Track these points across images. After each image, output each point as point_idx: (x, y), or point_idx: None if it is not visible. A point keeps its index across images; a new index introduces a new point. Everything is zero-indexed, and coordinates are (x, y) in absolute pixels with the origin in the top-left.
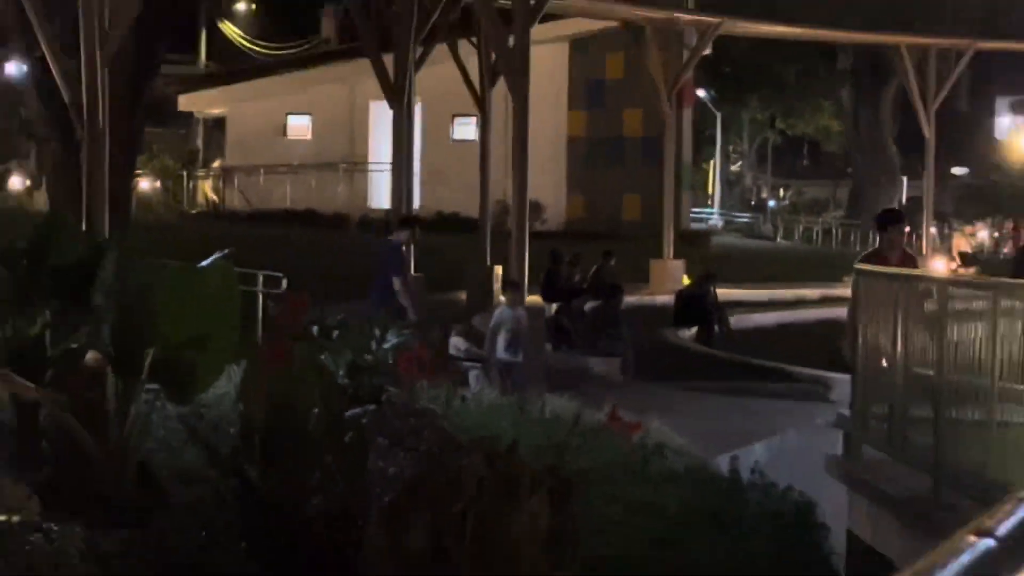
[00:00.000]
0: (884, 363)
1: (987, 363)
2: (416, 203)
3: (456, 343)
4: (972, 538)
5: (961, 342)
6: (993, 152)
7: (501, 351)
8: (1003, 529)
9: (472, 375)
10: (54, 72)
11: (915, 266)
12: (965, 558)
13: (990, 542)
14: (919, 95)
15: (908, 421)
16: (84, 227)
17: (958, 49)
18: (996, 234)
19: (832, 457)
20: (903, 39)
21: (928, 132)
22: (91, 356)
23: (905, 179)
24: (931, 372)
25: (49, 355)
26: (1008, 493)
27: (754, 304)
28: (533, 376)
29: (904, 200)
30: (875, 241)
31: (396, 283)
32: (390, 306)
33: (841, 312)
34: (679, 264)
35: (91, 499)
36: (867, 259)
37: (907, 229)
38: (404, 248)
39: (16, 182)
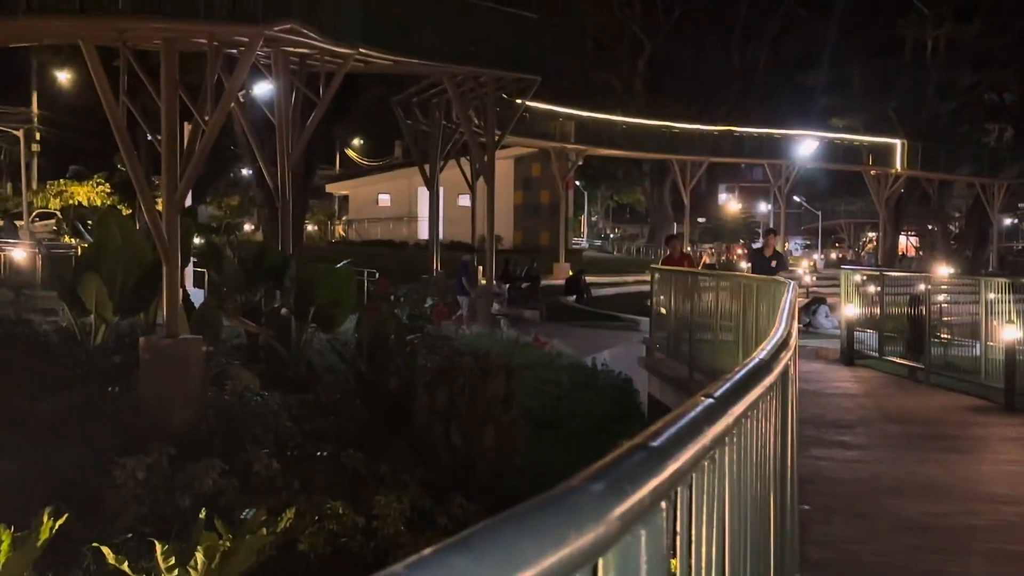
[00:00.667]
0: (663, 312)
1: (712, 311)
2: (440, 236)
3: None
4: (702, 398)
5: (701, 302)
6: (717, 209)
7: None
8: (718, 392)
9: (502, 322)
10: (264, 172)
11: (691, 263)
12: (697, 410)
13: (710, 400)
14: (682, 183)
15: (676, 340)
16: (280, 248)
17: (700, 161)
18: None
19: (640, 358)
20: (674, 157)
21: (686, 200)
22: (284, 311)
23: (676, 224)
24: (688, 315)
25: (263, 310)
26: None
27: (604, 283)
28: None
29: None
30: (664, 252)
31: (464, 282)
32: (461, 292)
33: (645, 288)
34: (567, 265)
35: (285, 380)
36: (664, 261)
37: (682, 243)
38: (470, 263)
39: (248, 228)
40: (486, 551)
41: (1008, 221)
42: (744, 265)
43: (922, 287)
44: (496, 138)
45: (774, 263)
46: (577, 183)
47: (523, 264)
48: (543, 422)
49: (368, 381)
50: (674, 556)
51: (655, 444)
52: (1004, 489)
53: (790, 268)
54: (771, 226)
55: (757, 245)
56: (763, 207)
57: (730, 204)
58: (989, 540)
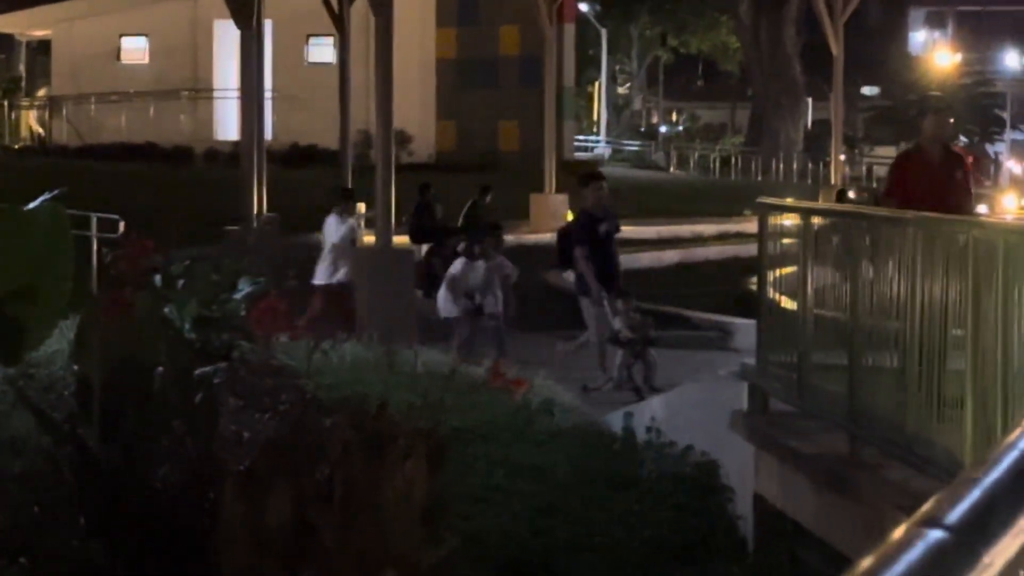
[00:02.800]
0: (793, 309)
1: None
2: (268, 134)
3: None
4: (921, 530)
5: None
6: (907, 70)
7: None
8: (953, 516)
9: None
10: None
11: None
12: (913, 555)
13: (940, 535)
14: (825, 6)
15: (821, 371)
16: None
17: None
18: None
19: (736, 412)
20: None
21: (836, 48)
22: None
23: (810, 101)
24: (855, 316)
25: None
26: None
27: (647, 242)
28: (401, 326)
29: (809, 124)
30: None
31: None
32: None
33: (744, 249)
34: (562, 198)
35: None
36: (895, 183)
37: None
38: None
39: None
40: None
41: None
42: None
43: None
44: None
45: (958, 176)
46: (584, 8)
47: (461, 199)
48: (516, 565)
49: (105, 471)
50: None
51: None
52: None
53: None
54: (930, 100)
55: None
56: (1013, 59)
57: (938, 55)
58: None
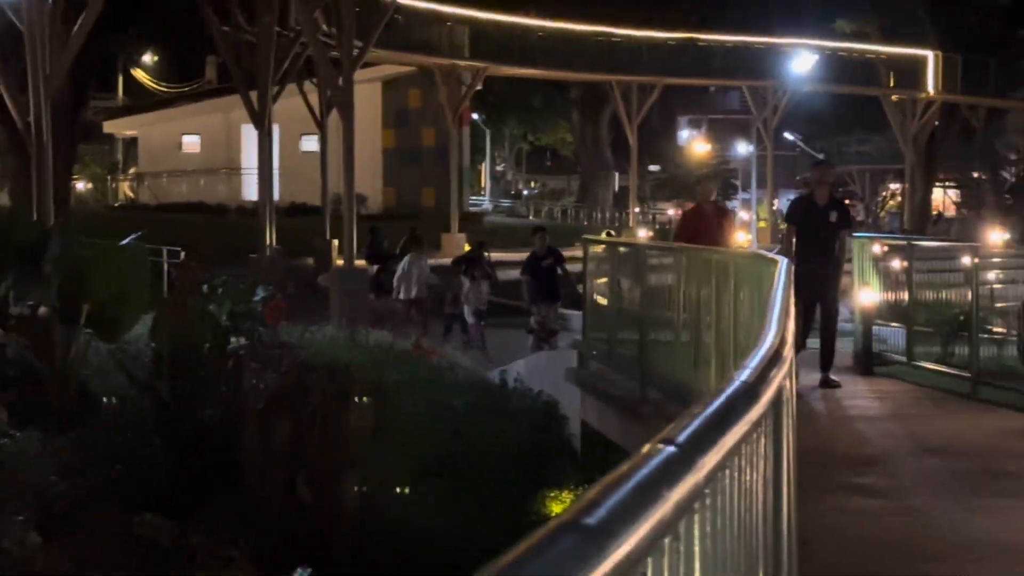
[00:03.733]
0: (604, 303)
1: (675, 301)
2: (276, 196)
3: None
4: (660, 446)
5: (659, 287)
6: (677, 154)
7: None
8: (682, 436)
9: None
10: (9, 104)
11: (729, 223)
12: (653, 465)
13: (672, 449)
14: (626, 116)
15: (622, 343)
16: (36, 217)
17: (651, 83)
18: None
19: (570, 369)
20: (614, 77)
21: (632, 141)
22: (43, 310)
23: (617, 174)
24: (639, 307)
25: (12, 310)
26: (691, 400)
27: (515, 263)
28: (359, 316)
29: (616, 189)
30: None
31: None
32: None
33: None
34: (462, 236)
35: (47, 411)
36: (683, 226)
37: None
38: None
39: None
40: None
41: None
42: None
43: (967, 261)
44: (356, 52)
45: (834, 216)
46: (475, 116)
47: (398, 236)
48: (431, 467)
49: (171, 411)
50: None
51: (592, 521)
52: None
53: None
54: (820, 157)
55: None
56: (742, 149)
57: (695, 145)
58: None
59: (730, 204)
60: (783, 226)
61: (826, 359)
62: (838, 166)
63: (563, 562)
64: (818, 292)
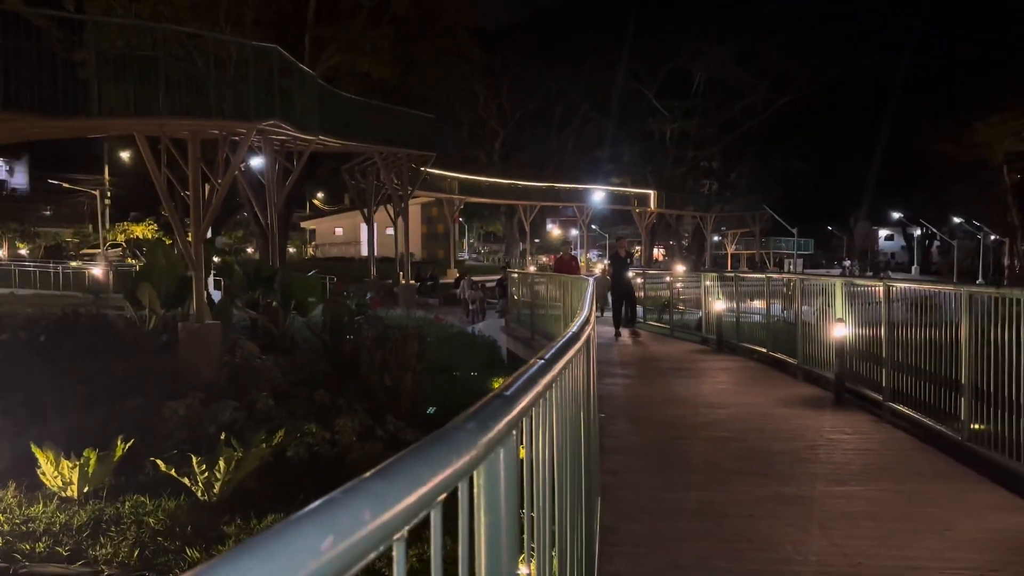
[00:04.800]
0: (516, 297)
1: (545, 297)
2: (375, 253)
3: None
4: (537, 360)
5: (539, 291)
6: (546, 234)
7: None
8: (547, 356)
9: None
10: (259, 215)
11: (576, 264)
12: (533, 368)
13: (542, 361)
14: (524, 217)
15: (524, 315)
16: (270, 263)
17: (535, 204)
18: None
19: (502, 327)
20: (519, 202)
21: (527, 228)
22: (274, 304)
23: (521, 242)
24: (531, 300)
25: (261, 304)
26: (551, 340)
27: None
28: (412, 304)
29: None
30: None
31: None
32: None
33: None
34: (455, 270)
35: (276, 348)
36: (557, 262)
37: (568, 251)
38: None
39: (249, 251)
40: (396, 477)
41: (716, 238)
42: (603, 265)
43: (668, 278)
44: (408, 191)
45: (629, 260)
46: (460, 219)
47: (428, 269)
48: (442, 369)
49: (330, 347)
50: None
51: (507, 393)
52: (717, 399)
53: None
54: (619, 236)
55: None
56: (573, 231)
57: (554, 231)
58: (708, 430)
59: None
60: (599, 266)
61: (631, 322)
62: (613, 239)
63: (495, 411)
64: (623, 292)
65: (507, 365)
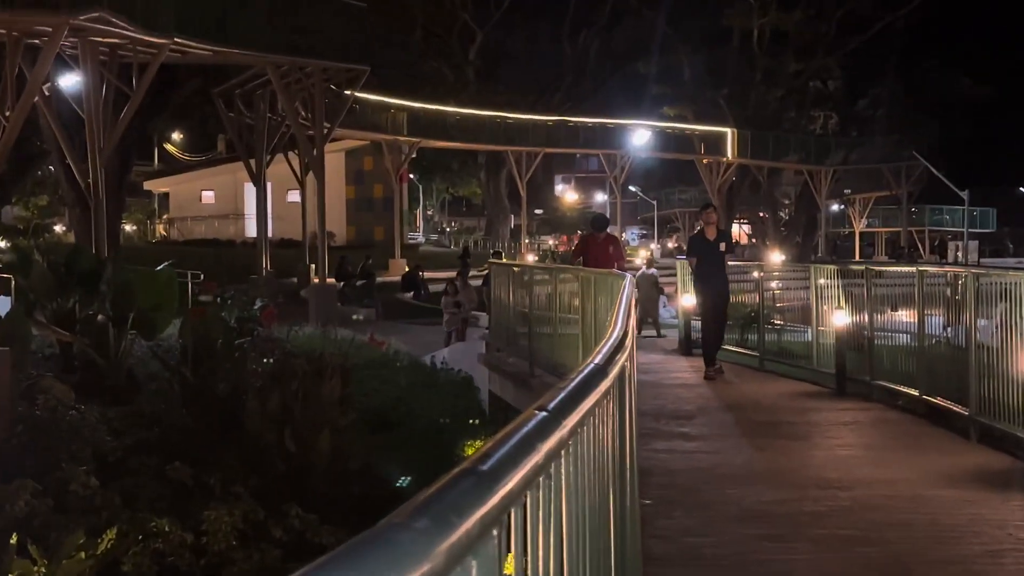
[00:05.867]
0: (503, 307)
1: (552, 305)
2: (269, 234)
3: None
4: (535, 412)
5: (540, 296)
6: (554, 200)
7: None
8: (552, 404)
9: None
10: (75, 170)
11: (618, 250)
12: (530, 425)
13: (544, 414)
14: (518, 174)
15: (516, 335)
16: (94, 250)
17: (536, 152)
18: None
19: (480, 354)
20: (510, 148)
21: (522, 191)
22: (100, 317)
23: (512, 216)
24: (527, 310)
25: (77, 318)
26: (562, 377)
27: (442, 279)
28: (330, 319)
29: (512, 226)
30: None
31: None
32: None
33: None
34: (403, 261)
35: (103, 390)
36: (579, 251)
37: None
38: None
39: (58, 229)
40: None
41: (835, 207)
42: (648, 253)
43: (755, 274)
44: (325, 131)
45: (723, 247)
46: (411, 176)
47: (357, 261)
48: (382, 424)
49: (194, 388)
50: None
51: (484, 468)
52: (837, 474)
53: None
54: (708, 203)
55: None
56: (600, 197)
57: (567, 195)
58: (824, 526)
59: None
60: (641, 253)
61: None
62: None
63: (463, 499)
64: (716, 303)
65: (488, 419)
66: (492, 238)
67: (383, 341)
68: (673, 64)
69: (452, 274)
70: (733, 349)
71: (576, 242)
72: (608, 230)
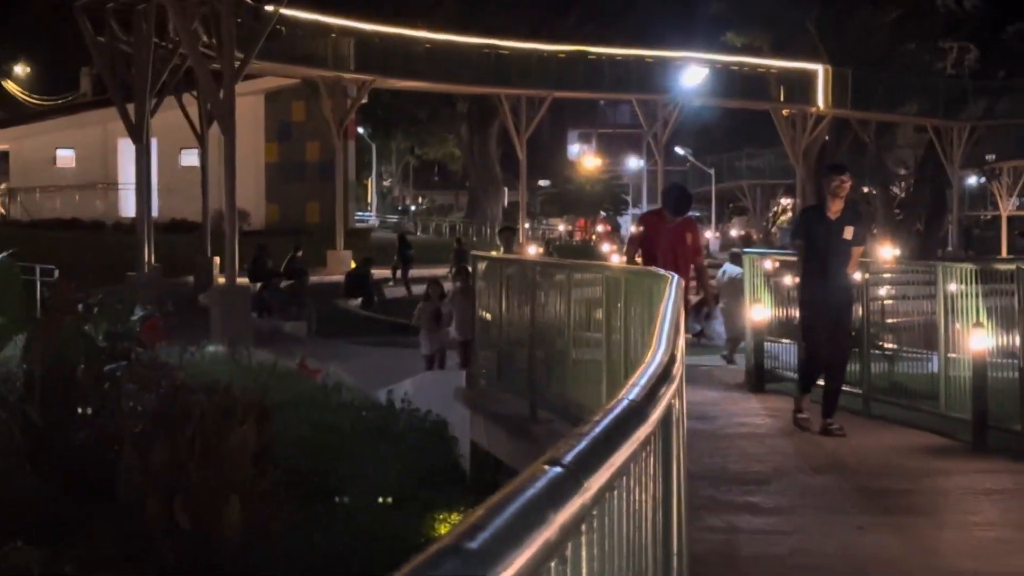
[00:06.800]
0: (492, 320)
1: (565, 318)
2: (155, 212)
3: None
4: (545, 467)
5: (548, 304)
6: (566, 168)
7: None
8: (568, 457)
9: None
10: None
11: (695, 236)
12: (539, 486)
13: (558, 470)
14: (514, 129)
15: (512, 361)
16: None
17: (541, 96)
18: (569, 227)
19: (459, 389)
20: (503, 90)
21: (521, 155)
22: None
23: (506, 189)
24: (529, 324)
25: None
26: (582, 419)
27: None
28: (241, 335)
29: (506, 205)
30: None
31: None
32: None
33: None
34: (348, 253)
35: None
36: (637, 238)
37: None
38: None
39: None
40: None
41: (973, 179)
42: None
43: (856, 276)
44: (237, 64)
45: (848, 233)
46: (360, 130)
47: (282, 253)
48: (316, 489)
49: (44, 434)
50: None
51: (473, 545)
52: (976, 564)
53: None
54: (838, 165)
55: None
56: (633, 163)
57: (585, 160)
58: None
59: (620, 219)
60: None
61: (831, 402)
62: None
63: None
64: (833, 317)
65: (470, 481)
66: (477, 221)
67: (318, 369)
68: None
69: (426, 271)
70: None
71: (635, 228)
72: (692, 215)
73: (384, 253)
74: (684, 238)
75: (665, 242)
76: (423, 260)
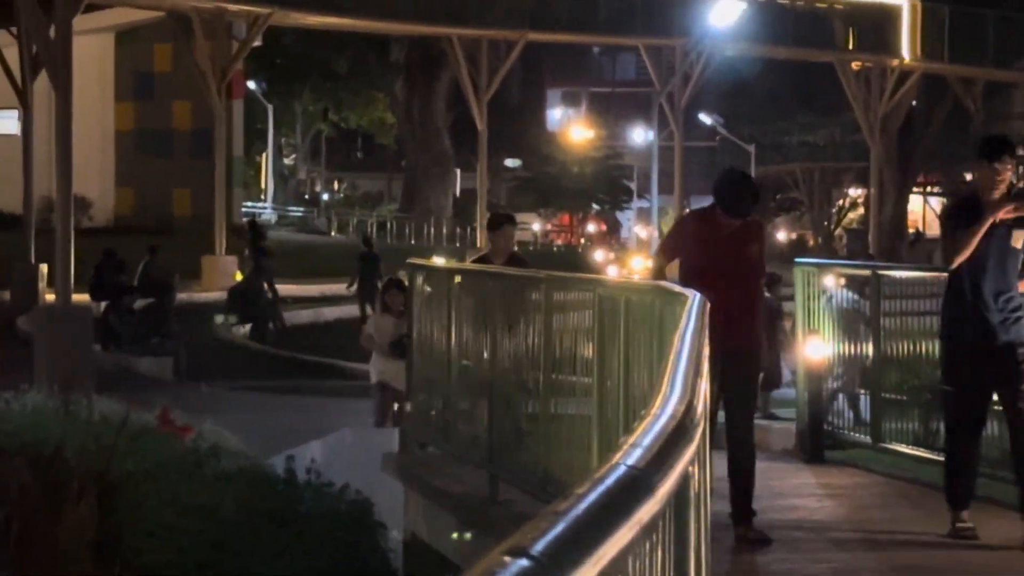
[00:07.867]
0: (437, 357)
1: (540, 353)
2: None
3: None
4: (505, 559)
5: (518, 333)
6: (545, 144)
7: None
8: (540, 545)
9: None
10: None
11: (760, 239)
12: None
13: (524, 564)
14: (471, 86)
15: (464, 415)
16: None
17: (509, 40)
18: (549, 226)
19: (388, 454)
20: (455, 30)
21: (480, 124)
22: None
23: (459, 171)
24: (491, 363)
25: None
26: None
27: (309, 300)
28: (79, 377)
29: (458, 192)
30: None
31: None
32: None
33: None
34: (232, 260)
35: None
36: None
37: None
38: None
39: None
40: None
41: None
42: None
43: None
44: None
45: (1017, 239)
46: (252, 86)
47: (136, 259)
48: None
49: None
50: None
51: None
52: None
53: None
54: (1001, 139)
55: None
56: (639, 135)
57: (572, 131)
58: None
59: (621, 216)
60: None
61: None
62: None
63: None
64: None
65: None
66: (417, 215)
67: (188, 426)
68: None
69: (342, 286)
70: (906, 451)
71: (671, 227)
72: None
73: (285, 260)
74: (748, 249)
75: (721, 254)
76: (344, 272)
